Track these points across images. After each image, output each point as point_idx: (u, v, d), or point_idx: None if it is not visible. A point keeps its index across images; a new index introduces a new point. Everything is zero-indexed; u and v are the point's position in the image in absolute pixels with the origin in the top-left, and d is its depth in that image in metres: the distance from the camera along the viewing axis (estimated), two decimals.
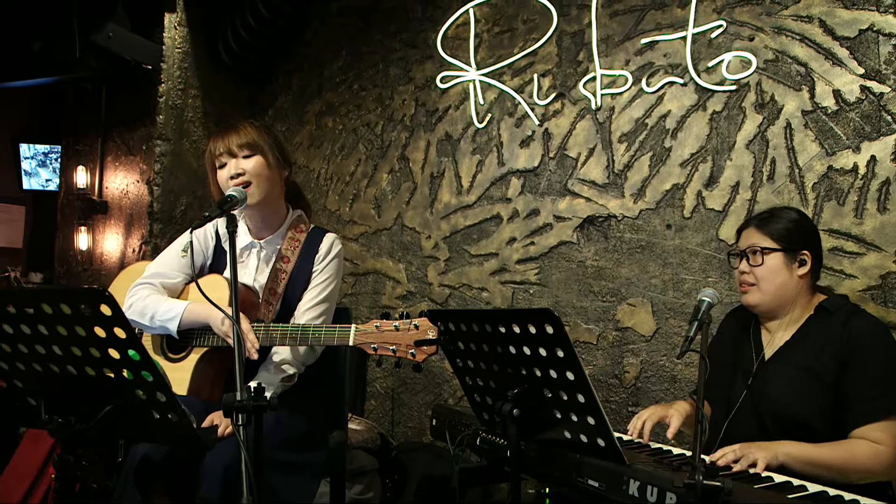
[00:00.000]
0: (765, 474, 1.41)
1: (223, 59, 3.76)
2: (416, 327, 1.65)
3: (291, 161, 2.07)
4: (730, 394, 1.74)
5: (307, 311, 1.94)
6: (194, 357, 1.88)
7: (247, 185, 1.89)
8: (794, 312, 1.72)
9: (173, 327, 1.83)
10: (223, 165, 1.92)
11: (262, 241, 2.00)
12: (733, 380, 1.76)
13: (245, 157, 1.91)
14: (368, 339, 1.69)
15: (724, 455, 1.48)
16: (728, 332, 1.89)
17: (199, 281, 1.93)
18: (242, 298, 1.86)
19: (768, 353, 1.74)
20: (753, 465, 1.44)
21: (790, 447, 1.50)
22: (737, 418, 1.71)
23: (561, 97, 2.91)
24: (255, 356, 1.71)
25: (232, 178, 1.88)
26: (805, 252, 1.70)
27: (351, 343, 1.71)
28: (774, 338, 1.75)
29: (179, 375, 1.87)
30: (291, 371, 1.88)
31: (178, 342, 1.92)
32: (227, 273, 1.99)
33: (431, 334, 1.63)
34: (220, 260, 2.04)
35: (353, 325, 1.72)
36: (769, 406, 1.66)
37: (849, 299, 1.78)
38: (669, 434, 1.65)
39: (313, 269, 1.98)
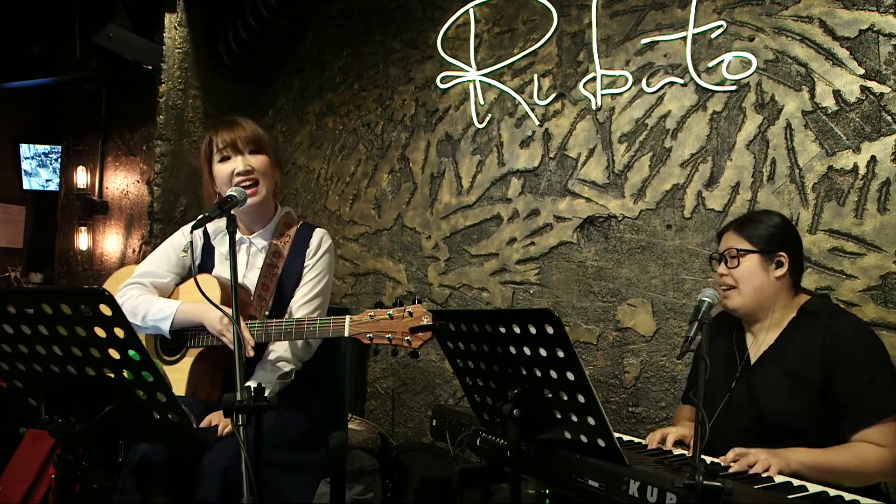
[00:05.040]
0: (765, 475, 1.41)
1: (224, 60, 3.76)
2: (411, 314, 1.65)
3: (283, 162, 2.06)
4: (716, 398, 1.74)
5: (301, 306, 1.93)
6: (190, 358, 1.88)
7: (255, 183, 1.88)
8: (774, 315, 1.72)
9: (165, 327, 1.82)
10: (225, 159, 1.91)
11: (251, 237, 1.99)
12: (719, 384, 1.76)
13: (251, 152, 1.90)
14: (364, 329, 1.69)
15: (735, 458, 1.46)
16: (713, 336, 1.87)
17: (186, 281, 1.93)
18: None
19: (753, 356, 1.74)
20: (766, 469, 1.42)
21: (801, 455, 1.48)
22: (723, 422, 1.70)
23: (561, 97, 2.91)
24: (252, 353, 1.71)
25: (239, 174, 1.88)
26: (782, 254, 1.70)
27: (346, 334, 1.70)
28: (758, 341, 1.75)
29: (176, 377, 1.87)
30: (288, 368, 1.87)
31: (172, 344, 1.91)
32: (216, 272, 1.99)
33: (426, 320, 1.63)
34: (208, 258, 2.03)
35: (348, 316, 1.71)
36: (756, 409, 1.66)
37: (830, 299, 1.77)
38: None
39: (305, 264, 1.97)
